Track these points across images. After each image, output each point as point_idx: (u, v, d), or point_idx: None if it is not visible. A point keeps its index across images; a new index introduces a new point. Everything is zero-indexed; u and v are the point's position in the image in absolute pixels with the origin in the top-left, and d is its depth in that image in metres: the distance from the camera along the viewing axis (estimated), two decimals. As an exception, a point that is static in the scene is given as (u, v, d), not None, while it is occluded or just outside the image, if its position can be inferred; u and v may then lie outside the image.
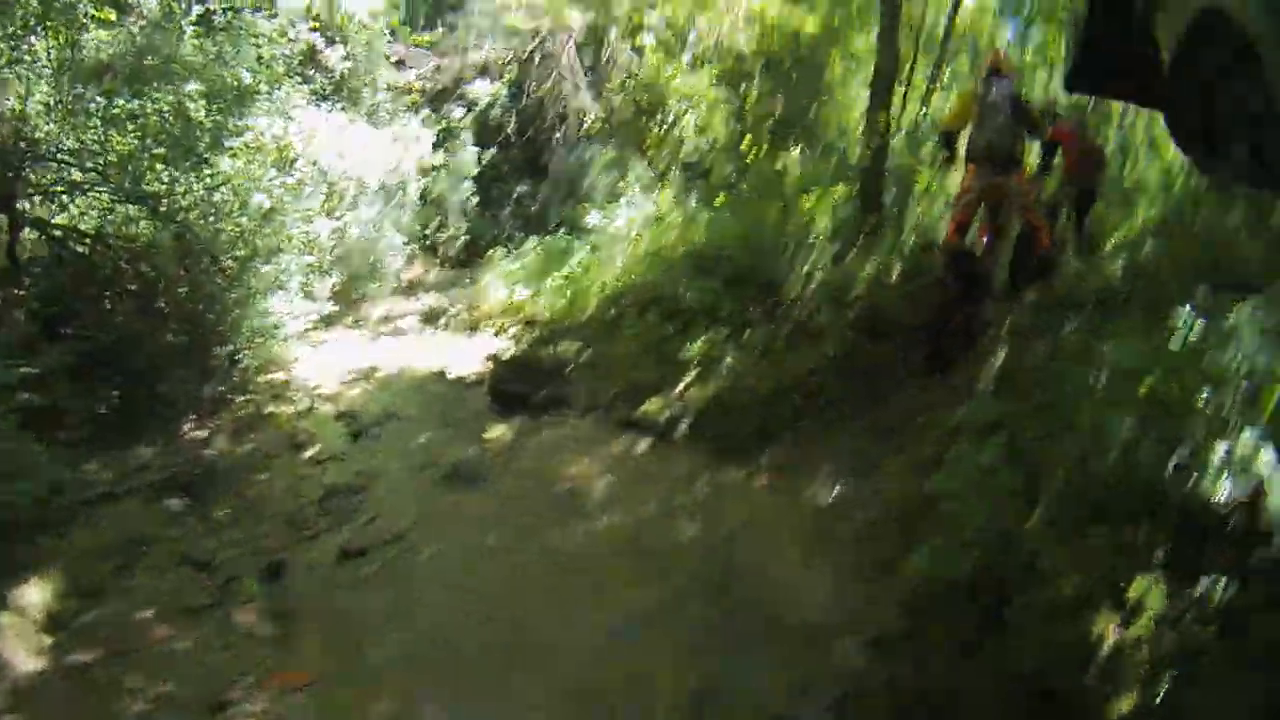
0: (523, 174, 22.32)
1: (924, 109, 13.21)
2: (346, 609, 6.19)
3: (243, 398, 10.58)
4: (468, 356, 12.90)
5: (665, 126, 16.48)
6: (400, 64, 20.10)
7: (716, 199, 12.82)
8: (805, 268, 10.09)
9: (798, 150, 13.93)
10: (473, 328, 15.01)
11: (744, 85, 15.54)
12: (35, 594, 5.92)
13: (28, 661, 5.37)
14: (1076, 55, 1.54)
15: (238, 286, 10.27)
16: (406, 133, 18.45)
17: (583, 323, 12.20)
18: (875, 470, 7.52)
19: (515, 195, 21.93)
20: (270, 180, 10.80)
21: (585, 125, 19.22)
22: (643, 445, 8.97)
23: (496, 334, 14.13)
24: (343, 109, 17.08)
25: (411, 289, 18.96)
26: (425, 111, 19.84)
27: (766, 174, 13.26)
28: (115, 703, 5.08)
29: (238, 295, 10.32)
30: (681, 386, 9.53)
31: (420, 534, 7.18)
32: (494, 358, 12.20)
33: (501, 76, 20.70)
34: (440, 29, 20.74)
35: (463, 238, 21.28)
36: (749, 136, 13.69)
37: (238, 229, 10.22)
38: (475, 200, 21.37)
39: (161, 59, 9.26)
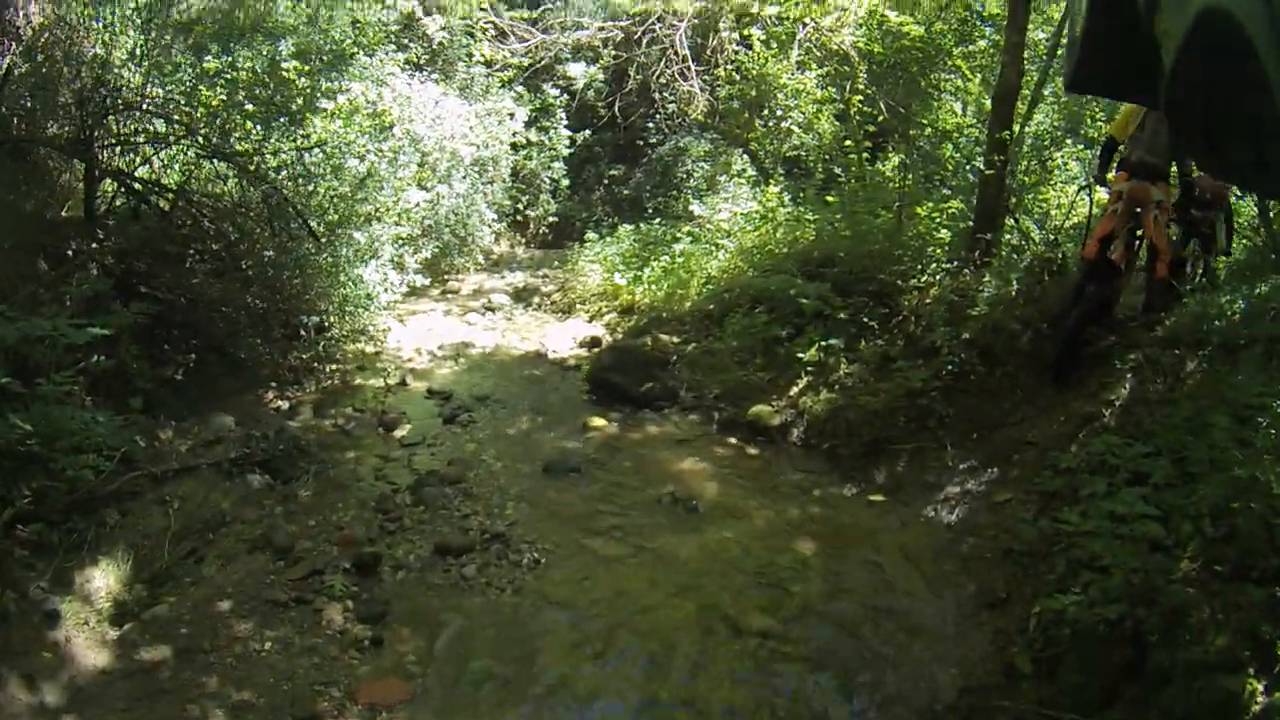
0: (617, 158, 22.57)
1: (1028, 124, 12.90)
2: (444, 615, 5.67)
3: (331, 368, 10.32)
4: (563, 340, 12.66)
5: (771, 121, 16.25)
6: (500, 37, 19.93)
7: (827, 199, 12.61)
8: (921, 280, 9.94)
9: (898, 158, 13.73)
10: (566, 310, 14.83)
11: (848, 86, 15.29)
12: (101, 578, 5.51)
13: (91, 656, 4.96)
14: (1077, 54, 1.53)
15: (327, 252, 9.83)
16: (500, 108, 18.34)
17: (683, 315, 11.89)
18: (990, 498, 7.44)
19: (607, 179, 21.99)
20: (365, 146, 10.38)
21: (688, 113, 19.04)
22: (751, 450, 8.87)
23: (591, 319, 13.85)
24: (437, 80, 17.05)
25: (499, 265, 18.86)
26: (520, 88, 19.64)
27: (875, 180, 13.08)
28: (186, 710, 4.62)
29: (326, 262, 9.87)
30: (794, 391, 9.45)
31: (521, 534, 6.73)
32: (592, 343, 12.09)
33: (599, 59, 20.51)
34: (543, 6, 20.61)
35: (552, 217, 21.41)
36: (850, 140, 13.42)
37: (331, 192, 9.84)
38: (566, 181, 21.44)
39: (254, 16, 9.19)
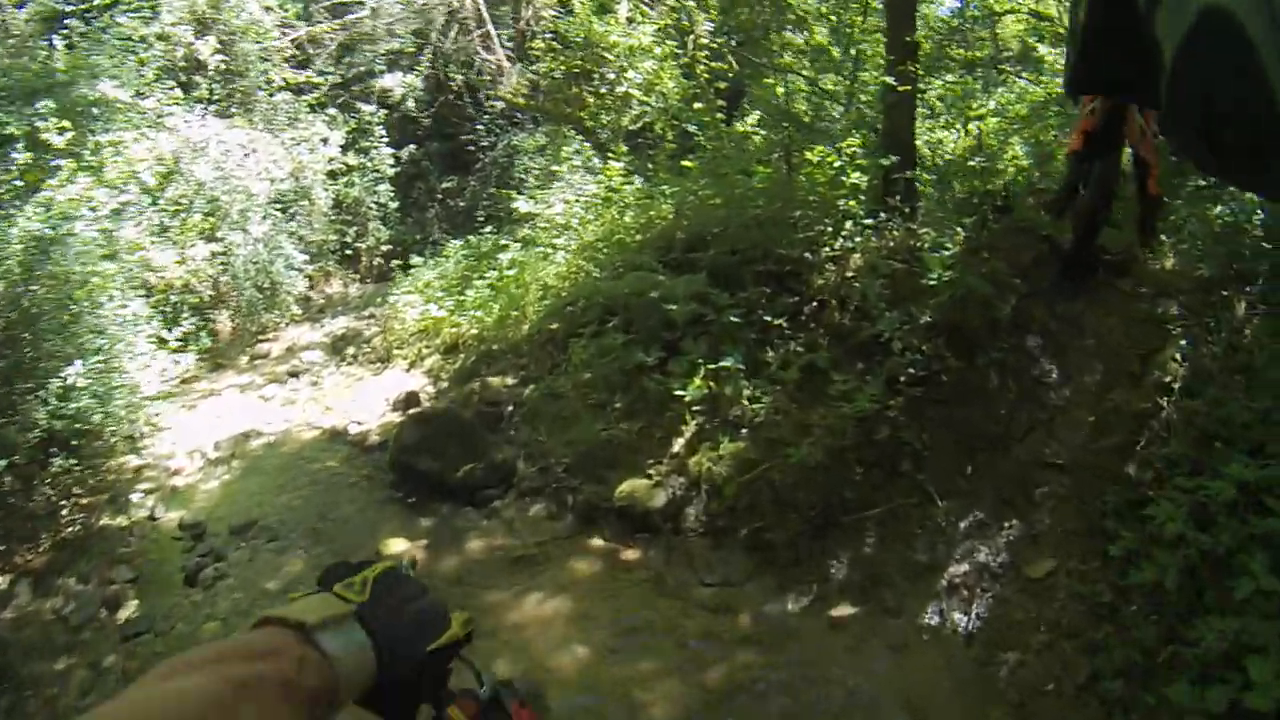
0: (448, 169, 19.97)
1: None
2: None
3: (76, 502, 7.88)
4: (372, 403, 9.97)
5: (604, 89, 13.22)
6: (302, 60, 17.56)
7: (684, 165, 9.62)
8: (835, 245, 6.97)
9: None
10: (384, 359, 12.03)
11: (690, 39, 12.39)
12: None
13: None
14: (1077, 54, 1.10)
15: (53, 351, 7.79)
16: (311, 134, 16.31)
17: (520, 343, 9.23)
18: (1022, 573, 4.56)
19: (440, 194, 19.75)
20: (115, 204, 9.13)
21: (504, 97, 15.96)
22: (629, 554, 5.74)
23: (410, 366, 11.17)
24: (235, 113, 15.22)
25: (325, 310, 16.39)
26: (333, 110, 17.44)
27: (738, 140, 10.11)
28: None
29: (50, 365, 7.70)
30: (679, 448, 6.34)
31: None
32: (406, 402, 9.43)
33: (416, 65, 18.13)
34: (348, 15, 17.81)
35: (385, 246, 18.72)
36: (700, 98, 10.49)
37: (52, 279, 7.89)
38: (395, 203, 18.89)
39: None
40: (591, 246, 9.89)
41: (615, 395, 7.04)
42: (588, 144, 14.07)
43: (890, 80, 7.59)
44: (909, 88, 7.61)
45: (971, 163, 8.28)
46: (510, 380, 8.54)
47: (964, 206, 7.46)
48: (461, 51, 16.38)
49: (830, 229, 7.08)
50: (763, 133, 8.94)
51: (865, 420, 5.57)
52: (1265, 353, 5.03)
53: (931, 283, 6.00)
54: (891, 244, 6.83)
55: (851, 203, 7.29)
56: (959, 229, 6.81)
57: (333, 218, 17.17)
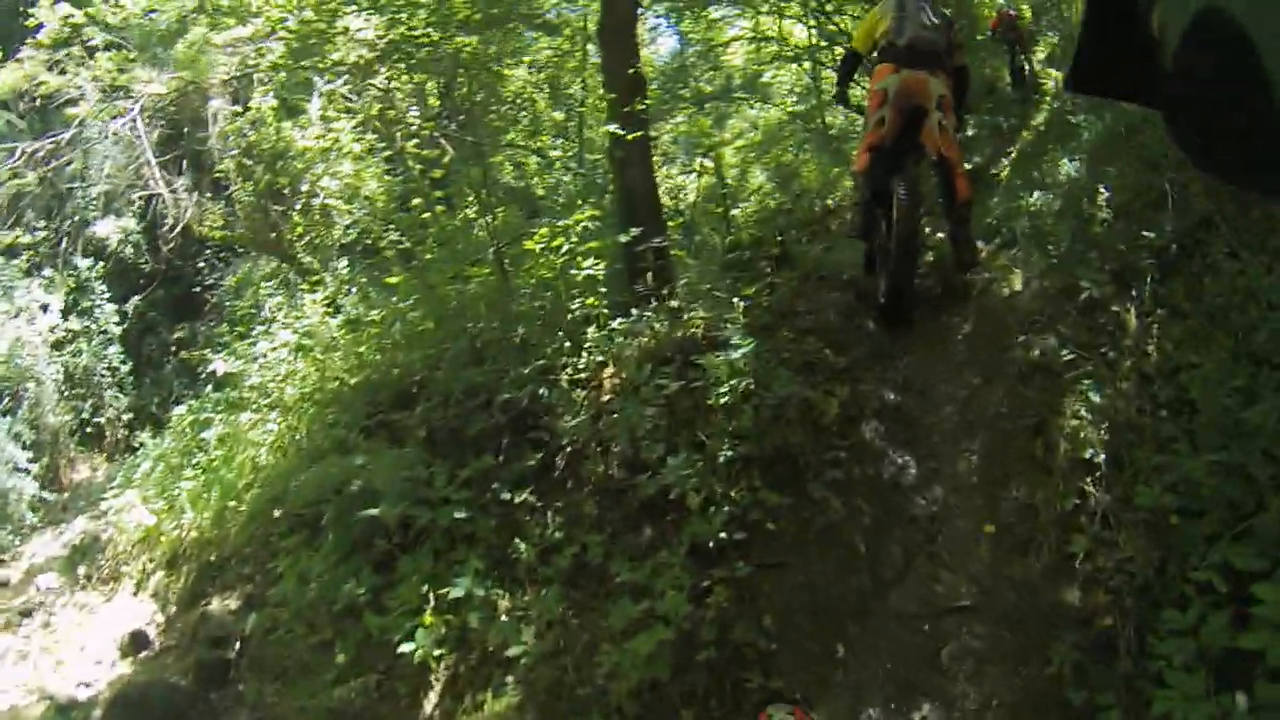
0: (177, 316, 18.01)
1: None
2: None
3: None
4: (104, 645, 7.93)
5: (301, 203, 11.18)
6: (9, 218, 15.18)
7: (388, 281, 7.76)
8: (581, 361, 5.16)
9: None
10: (112, 579, 9.77)
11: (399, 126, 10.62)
12: None
13: None
14: (1077, 54, 1.23)
15: None
16: (27, 302, 14.91)
17: (241, 547, 7.23)
18: None
19: (174, 346, 17.65)
20: None
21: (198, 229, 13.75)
22: None
23: (138, 588, 9.00)
24: None
25: (68, 508, 14.09)
26: (49, 271, 15.85)
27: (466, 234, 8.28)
28: None
29: None
30: (430, 711, 4.41)
31: None
32: (135, 645, 7.54)
33: (130, 206, 16.27)
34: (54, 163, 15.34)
35: (127, 415, 16.78)
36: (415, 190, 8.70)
37: None
38: (127, 365, 17.05)
39: None
40: (296, 409, 7.81)
41: (335, 638, 4.98)
42: (291, 270, 11.98)
43: (616, 129, 5.89)
44: (641, 133, 5.92)
45: (715, 206, 6.75)
46: (235, 603, 6.74)
47: (733, 268, 5.82)
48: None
49: (568, 343, 5.21)
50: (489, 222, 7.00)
51: (689, 640, 3.69)
52: (1195, 377, 3.64)
53: (722, 398, 4.20)
54: (655, 346, 5.03)
55: (591, 299, 5.44)
56: (736, 303, 5.10)
57: (66, 394, 15.65)
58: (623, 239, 5.82)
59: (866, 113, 5.39)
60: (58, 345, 15.74)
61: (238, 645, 6.11)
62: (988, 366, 4.66)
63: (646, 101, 6.45)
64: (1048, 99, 9.04)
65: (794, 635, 3.77)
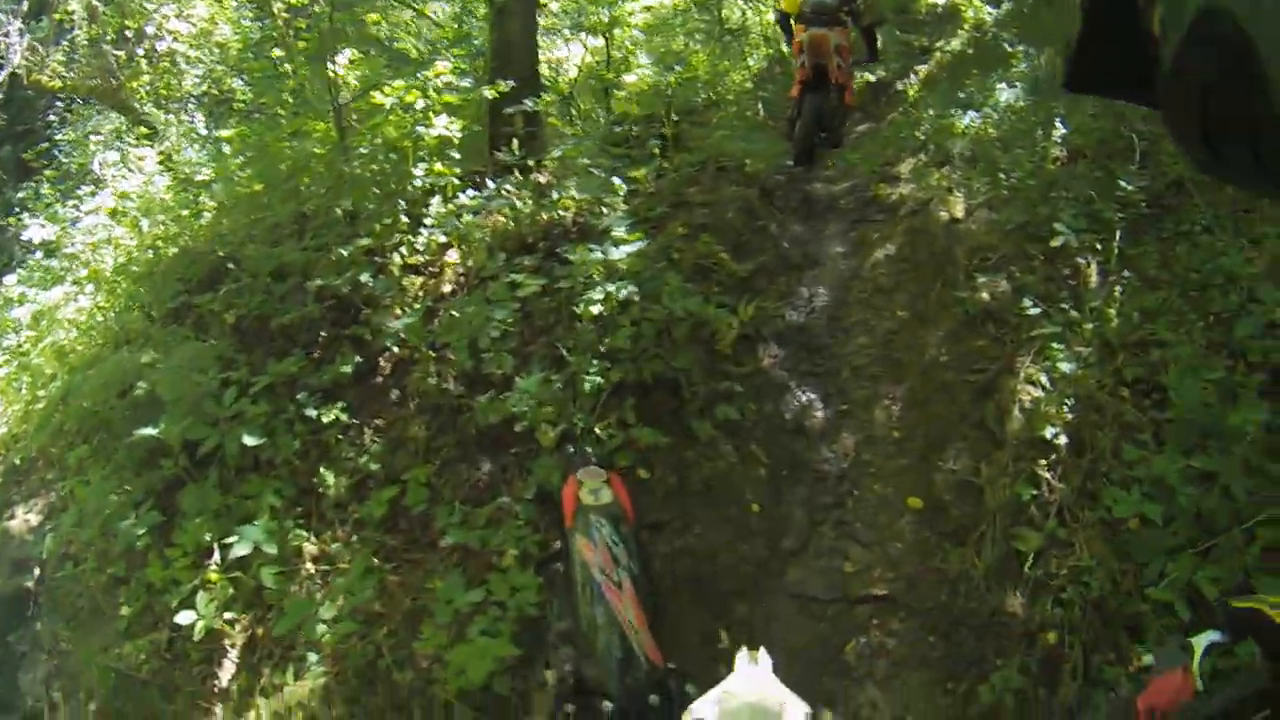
0: (22, 175, 15.12)
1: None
2: None
3: None
4: None
5: (146, 48, 9.80)
6: None
7: (222, 136, 6.64)
8: (418, 246, 4.17)
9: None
10: None
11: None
12: None
13: None
14: (1076, 54, 1.17)
15: None
16: None
17: (46, 447, 6.03)
18: None
19: (16, 206, 14.75)
20: None
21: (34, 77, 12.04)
22: None
23: None
24: None
25: None
26: None
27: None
28: None
29: None
30: (225, 682, 3.62)
31: None
32: None
33: None
34: None
35: None
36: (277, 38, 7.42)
37: None
38: None
39: None
40: (110, 281, 6.66)
41: (125, 579, 4.07)
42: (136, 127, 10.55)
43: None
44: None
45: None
46: (36, 518, 5.81)
47: (617, 144, 4.91)
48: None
49: (406, 220, 4.19)
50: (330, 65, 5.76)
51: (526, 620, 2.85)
52: (1168, 359, 3.15)
53: (594, 306, 3.30)
54: (514, 229, 4.07)
55: (439, 167, 4.38)
56: (618, 185, 4.17)
57: None
58: (488, 93, 4.78)
59: (791, 54, 7.46)
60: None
61: (36, 572, 5.23)
62: (920, 300, 3.90)
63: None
64: (966, 25, 8.59)
65: (668, 614, 2.98)
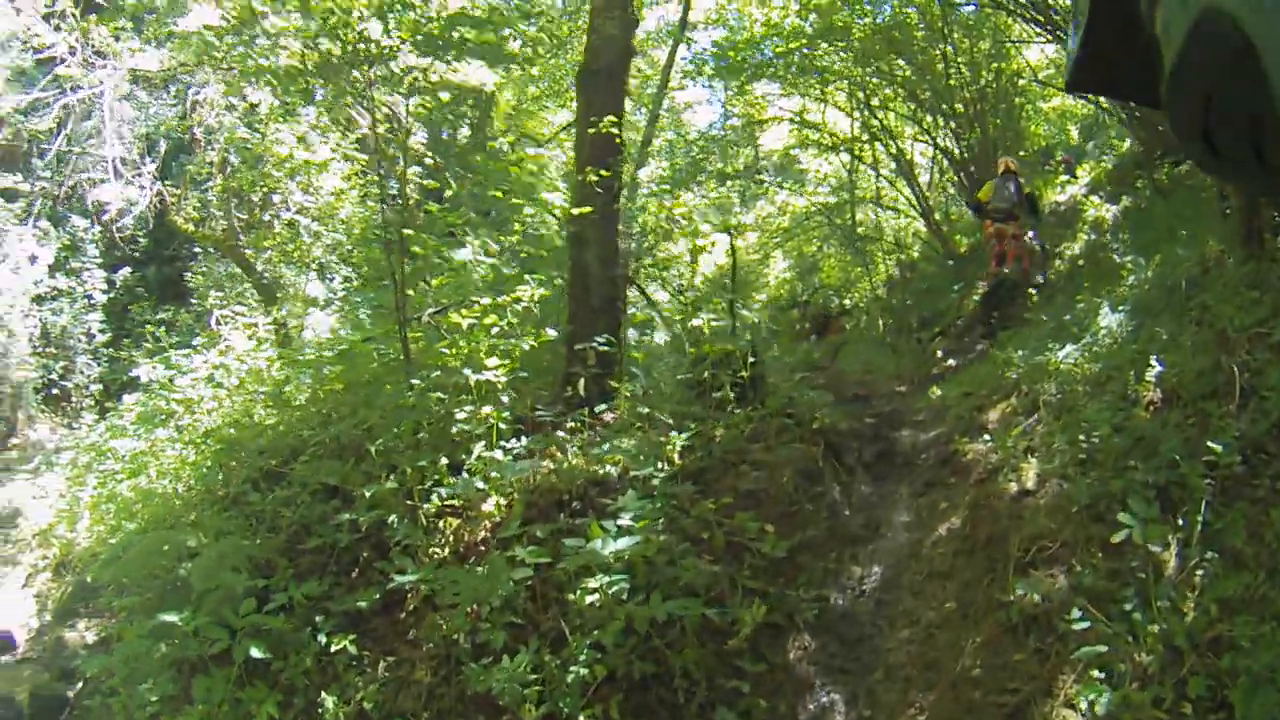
0: (165, 297, 17.83)
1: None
2: None
3: None
4: None
5: (272, 215, 10.43)
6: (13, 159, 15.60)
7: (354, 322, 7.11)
8: (444, 497, 4.32)
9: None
10: (9, 563, 10.03)
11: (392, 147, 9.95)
12: None
13: None
14: (1078, 55, 1.11)
15: None
16: (15, 251, 15.13)
17: (117, 577, 6.13)
18: None
19: (153, 325, 16.25)
20: None
21: (172, 219, 12.83)
22: None
23: (28, 580, 9.27)
24: None
25: (11, 469, 13.87)
26: (45, 224, 15.88)
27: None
28: None
29: None
30: None
31: None
32: None
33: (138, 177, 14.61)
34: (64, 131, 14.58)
35: (94, 385, 17.06)
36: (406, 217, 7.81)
37: None
38: (107, 334, 17.19)
39: None
40: (201, 439, 7.18)
41: None
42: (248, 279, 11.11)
43: (565, 210, 5.07)
44: (603, 206, 5.08)
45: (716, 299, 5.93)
46: (93, 636, 6.77)
47: (690, 387, 5.01)
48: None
49: (446, 461, 4.28)
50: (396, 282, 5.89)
51: None
52: (1241, 667, 2.68)
53: (588, 597, 3.30)
54: (555, 482, 4.13)
55: (487, 410, 4.47)
56: (675, 438, 4.22)
57: (38, 350, 15.66)
58: (553, 335, 4.91)
59: (983, 239, 10.05)
60: (39, 300, 15.75)
61: (79, 687, 5.90)
62: (970, 590, 3.62)
63: (620, 164, 5.63)
64: (1084, 227, 9.89)
65: None
